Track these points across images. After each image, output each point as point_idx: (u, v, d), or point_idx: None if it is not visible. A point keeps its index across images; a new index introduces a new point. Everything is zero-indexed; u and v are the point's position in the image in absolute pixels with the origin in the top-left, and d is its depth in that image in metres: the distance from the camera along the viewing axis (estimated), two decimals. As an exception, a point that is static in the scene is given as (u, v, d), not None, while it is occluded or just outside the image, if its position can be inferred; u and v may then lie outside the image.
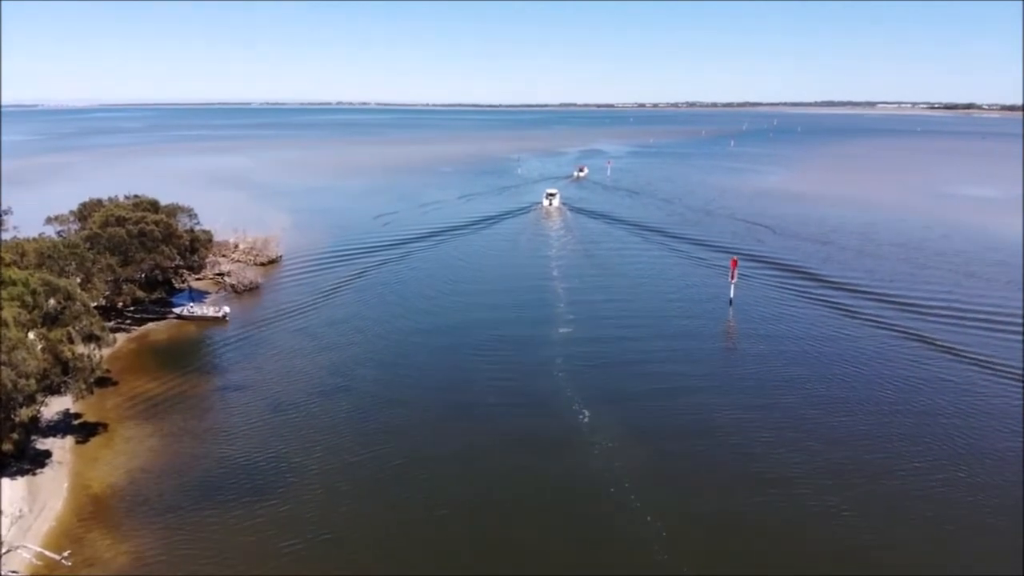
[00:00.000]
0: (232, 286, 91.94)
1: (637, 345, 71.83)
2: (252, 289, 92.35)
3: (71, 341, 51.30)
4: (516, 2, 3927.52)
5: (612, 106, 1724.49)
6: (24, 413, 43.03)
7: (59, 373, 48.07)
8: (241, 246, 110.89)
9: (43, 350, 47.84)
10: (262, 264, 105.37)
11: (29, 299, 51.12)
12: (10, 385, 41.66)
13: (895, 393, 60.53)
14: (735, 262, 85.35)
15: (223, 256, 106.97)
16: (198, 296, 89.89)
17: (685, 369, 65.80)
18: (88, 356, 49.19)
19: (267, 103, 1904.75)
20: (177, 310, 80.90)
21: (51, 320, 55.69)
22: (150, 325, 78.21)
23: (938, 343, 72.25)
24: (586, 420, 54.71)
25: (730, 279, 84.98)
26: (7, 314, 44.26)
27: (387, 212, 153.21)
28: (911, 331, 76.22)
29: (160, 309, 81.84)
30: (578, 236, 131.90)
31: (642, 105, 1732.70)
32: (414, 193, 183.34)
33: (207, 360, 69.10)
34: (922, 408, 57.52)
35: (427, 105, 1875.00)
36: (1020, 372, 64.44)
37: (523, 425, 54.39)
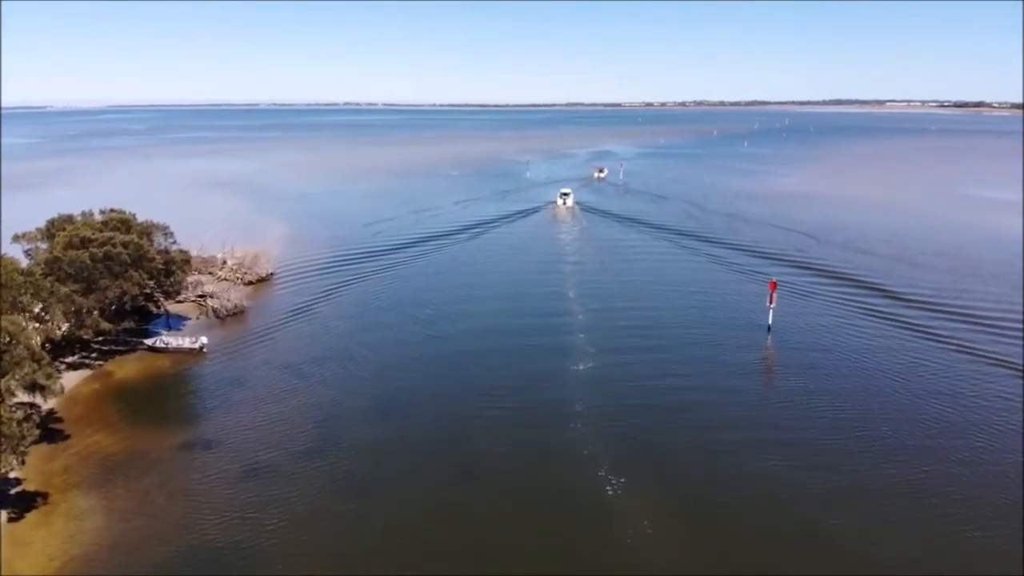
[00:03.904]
0: (215, 311, 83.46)
1: (666, 383, 62.98)
2: (237, 314, 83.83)
3: (1, 400, 42.95)
4: (522, 1, 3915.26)
5: (619, 105, 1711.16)
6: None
7: (-20, 443, 39.70)
8: (229, 262, 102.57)
9: (-41, 415, 39.52)
10: (250, 283, 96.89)
11: (-50, 349, 42.77)
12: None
13: (988, 439, 51.82)
14: (773, 285, 76.34)
15: (209, 273, 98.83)
16: (175, 322, 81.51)
17: (724, 416, 56.95)
18: (18, 422, 40.69)
19: (274, 104, 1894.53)
20: (149, 341, 72.44)
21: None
22: (118, 359, 69.80)
23: None
24: (615, 492, 45.89)
25: (768, 303, 75.99)
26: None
27: (387, 219, 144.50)
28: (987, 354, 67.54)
29: (131, 339, 73.46)
30: (594, 243, 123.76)
31: (650, 104, 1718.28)
32: (418, 198, 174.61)
33: (175, 405, 60.68)
34: None
35: (433, 105, 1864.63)
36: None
37: (537, 503, 45.62)
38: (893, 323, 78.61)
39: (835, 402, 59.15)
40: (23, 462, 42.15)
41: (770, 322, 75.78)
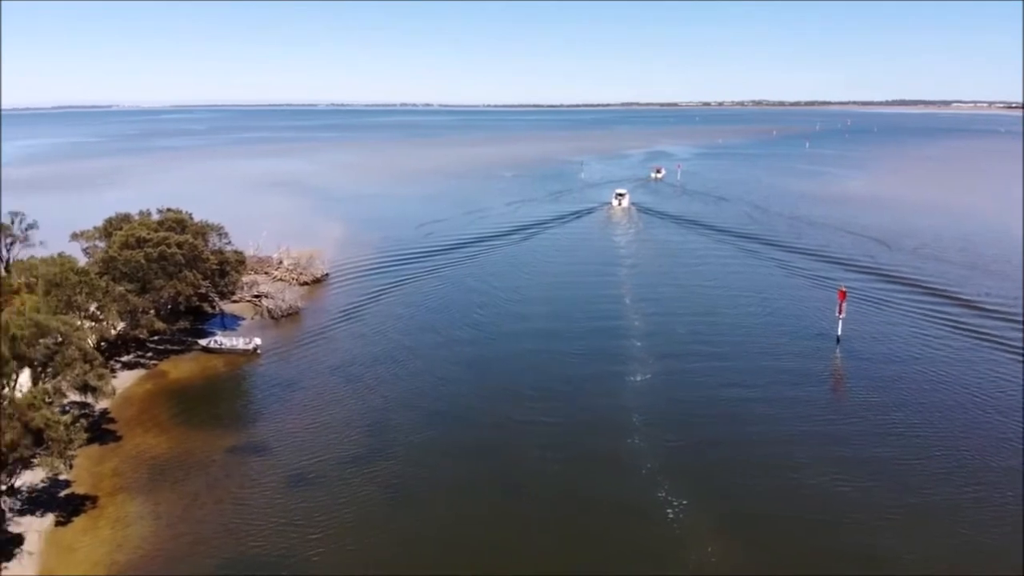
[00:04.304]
0: (269, 311, 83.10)
1: (729, 394, 60.10)
2: (291, 315, 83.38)
3: (50, 399, 42.48)
4: (576, 2, 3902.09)
5: (676, 105, 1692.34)
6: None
7: (29, 444, 39.18)
8: (285, 263, 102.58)
9: (10, 417, 39.03)
10: (305, 284, 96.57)
11: (3, 350, 42.48)
12: (-52, 475, 32.70)
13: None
14: (843, 294, 72.58)
15: (265, 273, 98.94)
16: (231, 321, 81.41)
17: (790, 431, 53.87)
18: (65, 425, 40.07)
19: (333, 105, 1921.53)
20: (203, 342, 72.24)
21: (41, 367, 47.41)
22: (173, 359, 69.73)
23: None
24: (676, 514, 43.32)
25: (837, 313, 72.21)
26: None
27: (439, 220, 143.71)
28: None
29: (186, 339, 73.45)
30: (651, 246, 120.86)
31: (707, 104, 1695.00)
32: (470, 199, 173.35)
33: (227, 407, 60.09)
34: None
35: (488, 106, 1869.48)
36: None
37: (592, 522, 43.20)
38: (972, 335, 74.17)
39: (909, 418, 55.62)
40: (70, 466, 41.63)
41: (839, 332, 72.04)
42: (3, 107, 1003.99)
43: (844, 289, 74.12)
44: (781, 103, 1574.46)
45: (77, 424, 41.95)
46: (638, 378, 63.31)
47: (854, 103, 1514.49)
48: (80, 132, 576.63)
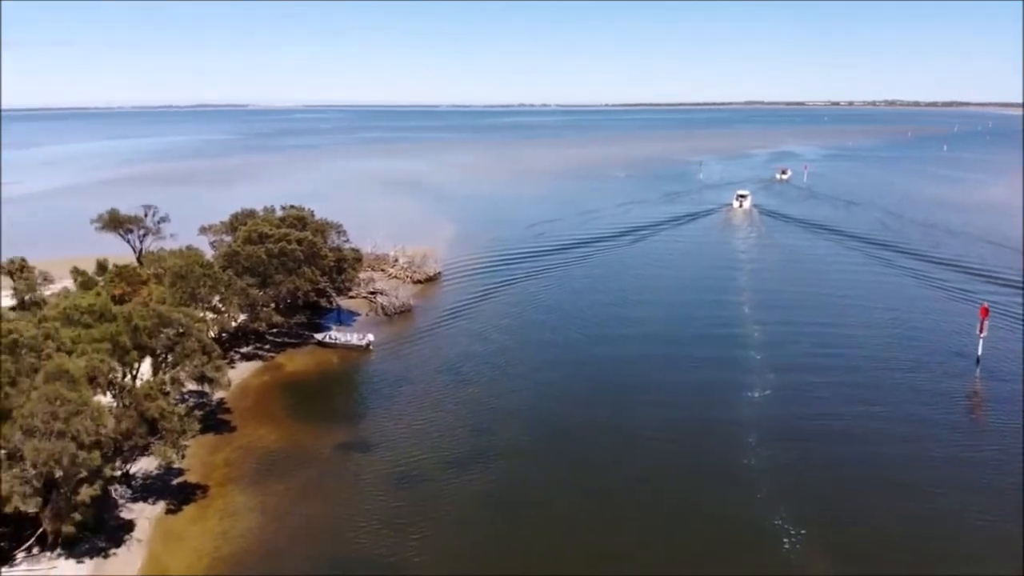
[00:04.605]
0: (383, 308, 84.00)
1: (856, 416, 55.51)
2: (404, 312, 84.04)
3: (167, 390, 43.62)
4: (698, 1, 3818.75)
5: (802, 104, 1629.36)
6: (85, 492, 35.07)
7: (144, 433, 40.25)
8: (400, 261, 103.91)
9: (127, 405, 40.23)
10: (418, 282, 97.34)
11: (125, 339, 43.96)
12: (67, 461, 33.72)
13: None
14: (985, 311, 66.04)
15: (381, 270, 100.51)
16: (346, 317, 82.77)
17: (923, 458, 49.26)
18: (179, 416, 40.97)
19: (453, 106, 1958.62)
20: (319, 336, 73.57)
21: (162, 356, 49.00)
22: (289, 352, 71.31)
23: None
24: (793, 546, 39.76)
25: (978, 332, 65.84)
26: (77, 366, 36.63)
27: (551, 220, 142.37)
28: None
29: (303, 332, 75.03)
30: (774, 251, 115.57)
31: (835, 103, 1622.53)
32: (584, 200, 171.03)
33: (339, 403, 60.68)
34: None
35: (605, 105, 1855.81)
36: None
37: (700, 546, 40.43)
38: None
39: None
40: (183, 456, 42.62)
41: (979, 352, 65.69)
42: (151, 106, 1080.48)
43: (987, 306, 67.57)
44: (916, 103, 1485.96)
45: (191, 415, 42.89)
46: (756, 393, 59.44)
47: (994, 104, 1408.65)
48: (217, 129, 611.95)
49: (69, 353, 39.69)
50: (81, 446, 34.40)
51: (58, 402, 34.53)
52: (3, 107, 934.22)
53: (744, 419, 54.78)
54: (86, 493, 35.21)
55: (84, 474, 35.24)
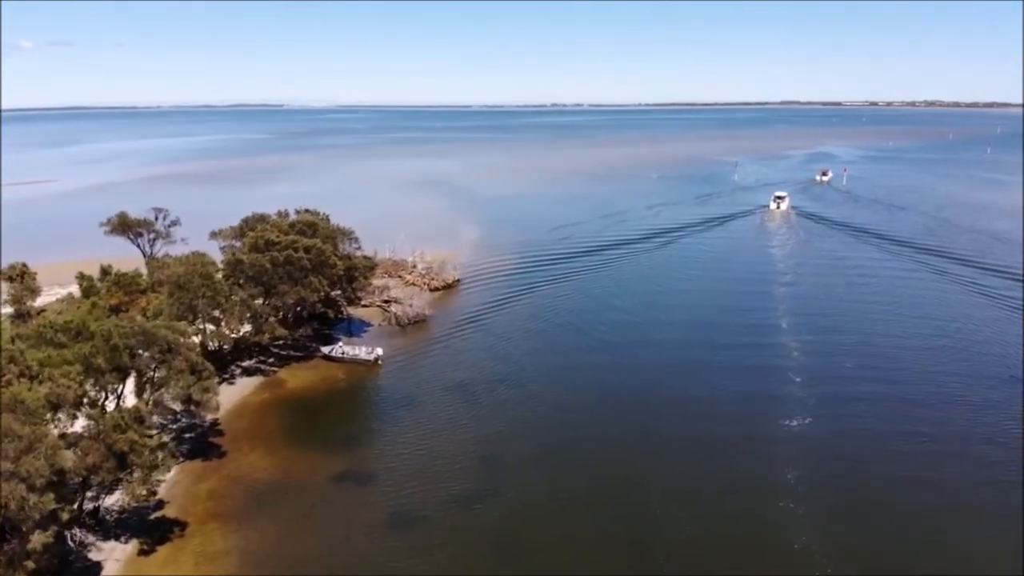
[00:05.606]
0: (396, 318, 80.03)
1: (903, 446, 50.41)
2: (418, 322, 79.96)
3: (143, 416, 39.84)
4: (732, 1, 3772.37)
5: (839, 104, 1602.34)
6: (37, 540, 31.40)
7: (112, 468, 36.53)
8: (419, 267, 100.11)
9: (94, 437, 36.54)
10: (436, 289, 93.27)
11: (100, 361, 40.33)
12: (14, 506, 30.04)
13: None
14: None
15: (399, 276, 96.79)
16: (358, 327, 78.99)
17: (978, 497, 44.02)
18: (151, 449, 37.19)
19: (486, 106, 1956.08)
20: (325, 349, 69.71)
21: (146, 377, 45.39)
22: (293, 366, 67.60)
23: None
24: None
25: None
26: (35, 396, 32.95)
27: (577, 223, 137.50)
28: None
29: (310, 344, 71.34)
30: (813, 258, 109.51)
31: (874, 103, 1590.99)
32: (613, 201, 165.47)
33: (338, 426, 56.42)
34: None
35: (639, 105, 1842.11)
36: None
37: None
38: None
39: None
40: (154, 493, 38.84)
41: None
42: (191, 105, 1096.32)
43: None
44: (956, 104, 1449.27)
45: (165, 448, 39.16)
46: (794, 423, 54.21)
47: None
48: (253, 129, 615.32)
49: (33, 378, 36.19)
50: (32, 488, 30.71)
51: (7, 438, 30.89)
52: (53, 106, 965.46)
53: (781, 455, 49.71)
54: (38, 540, 31.62)
55: (36, 518, 31.54)
